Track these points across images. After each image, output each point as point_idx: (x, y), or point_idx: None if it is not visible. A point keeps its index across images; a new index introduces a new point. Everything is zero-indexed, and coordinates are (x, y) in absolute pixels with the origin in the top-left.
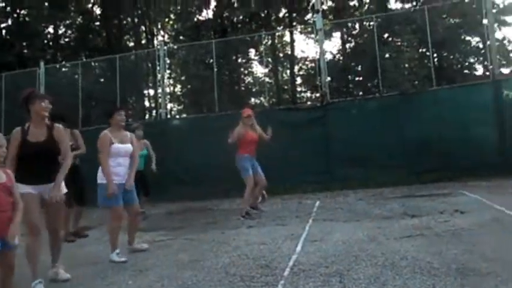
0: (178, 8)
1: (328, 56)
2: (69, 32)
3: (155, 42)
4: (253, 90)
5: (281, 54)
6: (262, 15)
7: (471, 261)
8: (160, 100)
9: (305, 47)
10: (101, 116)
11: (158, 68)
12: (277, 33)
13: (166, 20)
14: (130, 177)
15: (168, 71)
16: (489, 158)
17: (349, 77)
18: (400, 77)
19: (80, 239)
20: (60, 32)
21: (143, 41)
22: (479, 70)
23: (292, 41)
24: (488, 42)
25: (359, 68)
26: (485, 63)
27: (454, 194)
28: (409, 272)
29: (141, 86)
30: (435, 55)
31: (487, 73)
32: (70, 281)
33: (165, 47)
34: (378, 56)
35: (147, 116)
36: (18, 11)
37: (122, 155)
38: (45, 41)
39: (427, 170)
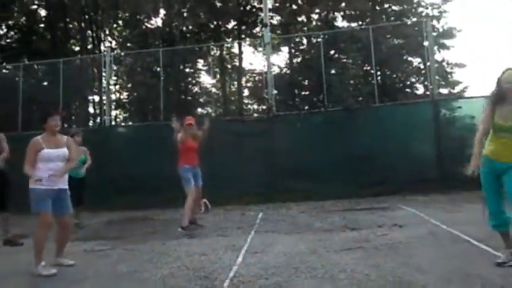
0: (127, 14)
1: (276, 70)
2: (12, 33)
3: (102, 48)
4: (201, 100)
5: (229, 66)
6: (212, 26)
7: (407, 274)
8: (105, 107)
9: (253, 59)
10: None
11: (104, 74)
12: (225, 45)
13: (114, 26)
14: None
15: (114, 78)
16: (427, 174)
17: (296, 91)
18: (345, 93)
19: (15, 247)
20: (1, 32)
21: (89, 46)
22: (420, 89)
23: (241, 53)
24: (428, 64)
25: (305, 83)
26: (426, 83)
27: (392, 208)
28: (347, 285)
29: (85, 92)
30: (379, 73)
31: (427, 92)
32: None
33: (112, 54)
34: (324, 72)
35: (91, 123)
36: None
37: (53, 160)
38: None
39: (369, 184)
